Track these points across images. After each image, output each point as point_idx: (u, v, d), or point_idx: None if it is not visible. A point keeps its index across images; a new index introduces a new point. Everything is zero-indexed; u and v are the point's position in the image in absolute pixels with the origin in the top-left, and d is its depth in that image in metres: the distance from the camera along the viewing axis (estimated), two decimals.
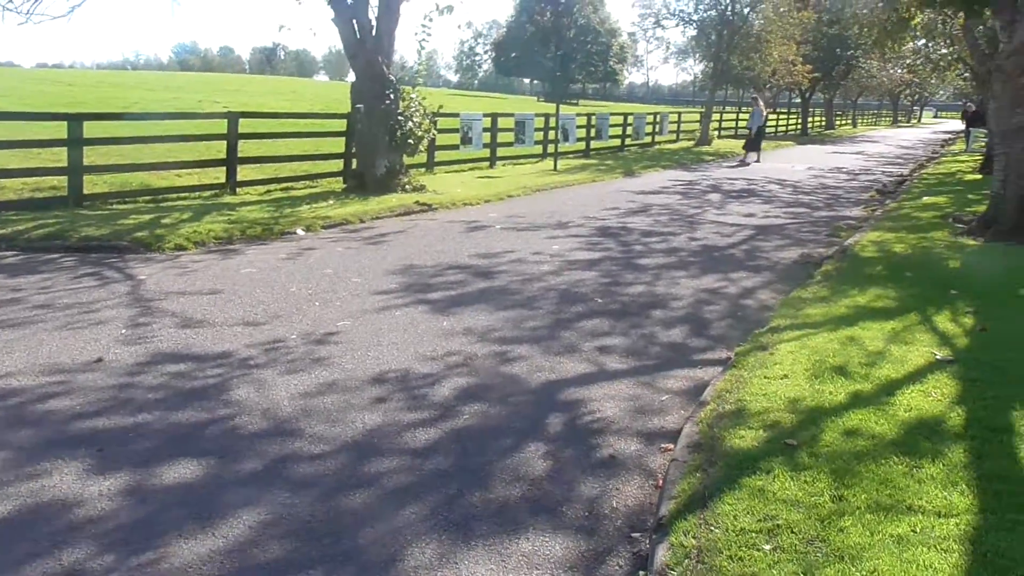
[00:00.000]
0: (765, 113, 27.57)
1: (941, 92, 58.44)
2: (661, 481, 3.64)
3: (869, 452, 3.68)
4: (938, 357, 5.04)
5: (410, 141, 14.09)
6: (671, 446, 4.02)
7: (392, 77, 13.88)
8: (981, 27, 12.57)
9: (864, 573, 2.73)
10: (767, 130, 31.06)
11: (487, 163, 19.83)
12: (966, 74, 27.02)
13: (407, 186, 13.96)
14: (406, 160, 14.61)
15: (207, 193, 12.34)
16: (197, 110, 19.03)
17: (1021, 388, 4.51)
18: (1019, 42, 9.40)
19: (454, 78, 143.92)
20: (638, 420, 4.43)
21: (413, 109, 14.16)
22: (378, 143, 13.69)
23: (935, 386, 4.53)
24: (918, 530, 2.99)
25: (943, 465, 3.53)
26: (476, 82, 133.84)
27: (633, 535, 3.25)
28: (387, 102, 13.59)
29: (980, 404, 4.25)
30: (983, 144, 22.63)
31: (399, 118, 13.78)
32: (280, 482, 3.56)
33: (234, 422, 4.18)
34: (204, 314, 6.15)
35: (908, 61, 28.37)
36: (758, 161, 24.89)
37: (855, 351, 5.22)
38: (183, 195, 11.98)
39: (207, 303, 6.48)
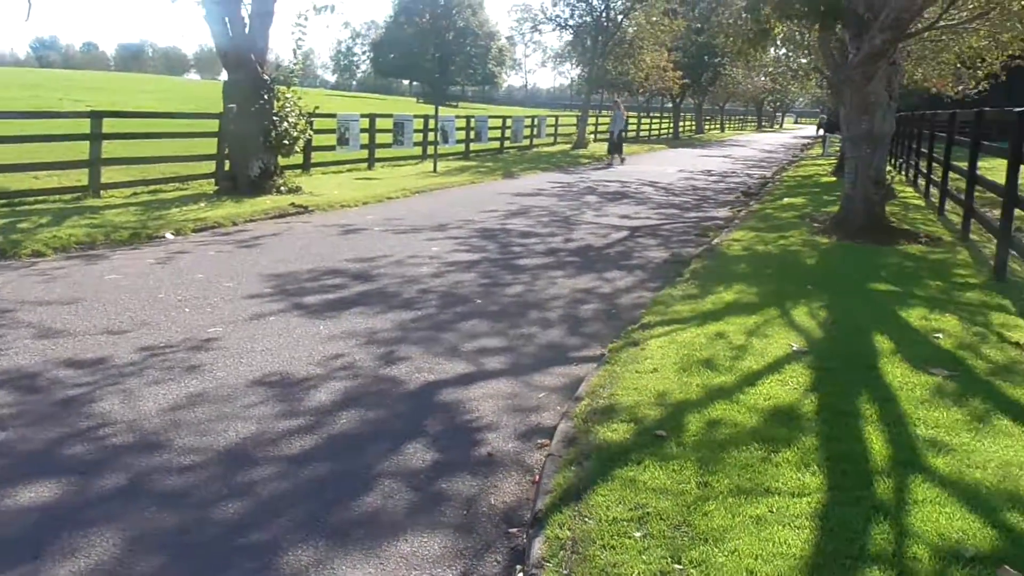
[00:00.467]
0: (626, 117, 28.51)
1: (801, 99, 61.86)
2: (538, 477, 3.73)
3: (732, 439, 3.88)
4: (794, 348, 5.36)
5: (285, 142, 13.81)
6: (547, 442, 4.12)
7: (266, 76, 13.57)
8: (834, 39, 13.38)
9: (726, 553, 2.89)
10: (627, 133, 32.04)
11: (365, 164, 19.64)
12: (822, 83, 28.64)
13: (282, 188, 13.67)
14: (281, 161, 14.31)
15: (68, 196, 11.71)
16: (58, 109, 18.03)
17: (866, 374, 4.86)
18: (865, 54, 10.07)
19: (332, 78, 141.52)
20: (516, 418, 4.51)
21: (288, 109, 13.89)
22: (252, 144, 13.35)
23: (791, 376, 4.81)
24: (775, 510, 3.18)
25: (797, 449, 3.76)
26: (354, 83, 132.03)
27: (511, 531, 3.32)
28: (261, 102, 13.27)
29: (830, 390, 4.55)
30: (837, 149, 24.08)
31: (274, 118, 13.49)
32: (147, 497, 3.43)
33: (98, 436, 4.00)
34: (64, 324, 5.85)
35: (770, 70, 29.80)
36: (622, 163, 25.60)
37: (721, 345, 5.48)
38: (42, 199, 11.32)
39: (68, 312, 6.16)
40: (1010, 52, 14.76)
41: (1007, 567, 2.76)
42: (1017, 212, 7.94)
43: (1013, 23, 13.33)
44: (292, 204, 12.33)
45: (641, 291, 7.78)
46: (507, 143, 28.72)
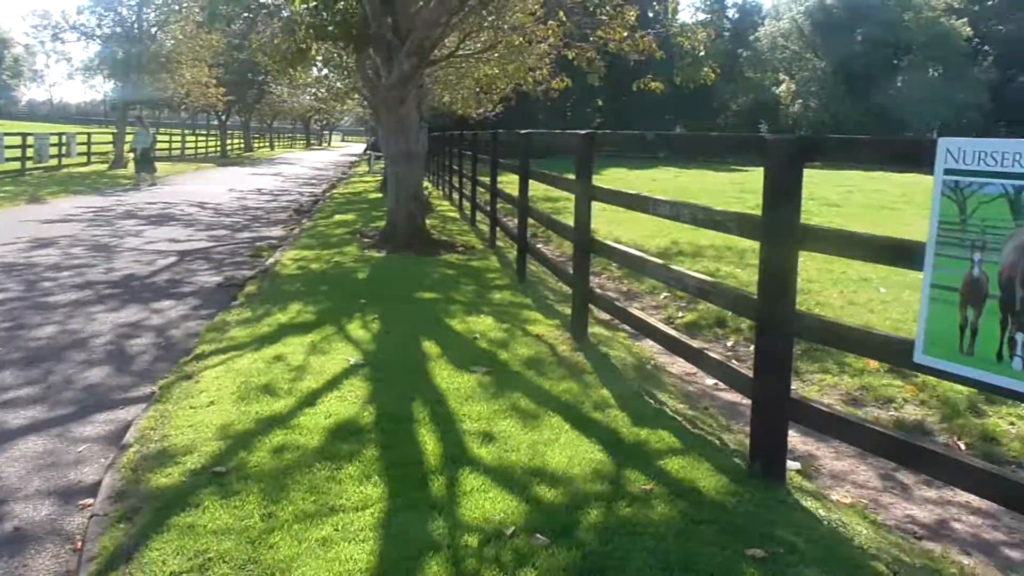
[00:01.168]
0: (153, 133, 27.18)
1: (346, 119, 64.07)
2: (80, 543, 3.32)
3: (296, 464, 3.85)
4: (352, 362, 5.52)
5: None
6: (90, 501, 3.69)
7: None
8: (370, 62, 14.09)
9: None
10: (173, 151, 30.57)
11: None
12: (364, 103, 30.01)
13: None
14: None
15: None
16: None
17: (417, 379, 5.18)
18: (396, 77, 10.78)
19: None
20: (50, 480, 3.97)
21: None
22: None
23: (350, 390, 4.95)
24: (340, 528, 3.24)
25: (359, 462, 3.87)
26: None
27: None
28: None
29: (386, 399, 4.77)
30: (382, 166, 25.42)
31: None
32: None
33: None
34: None
35: (313, 90, 30.34)
36: (153, 184, 24.17)
37: (280, 368, 5.43)
38: None
39: None
40: (516, 80, 16.95)
41: (538, 535, 3.16)
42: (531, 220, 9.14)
43: (516, 56, 15.34)
44: None
45: (194, 319, 7.38)
46: (30, 163, 25.27)
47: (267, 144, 69.89)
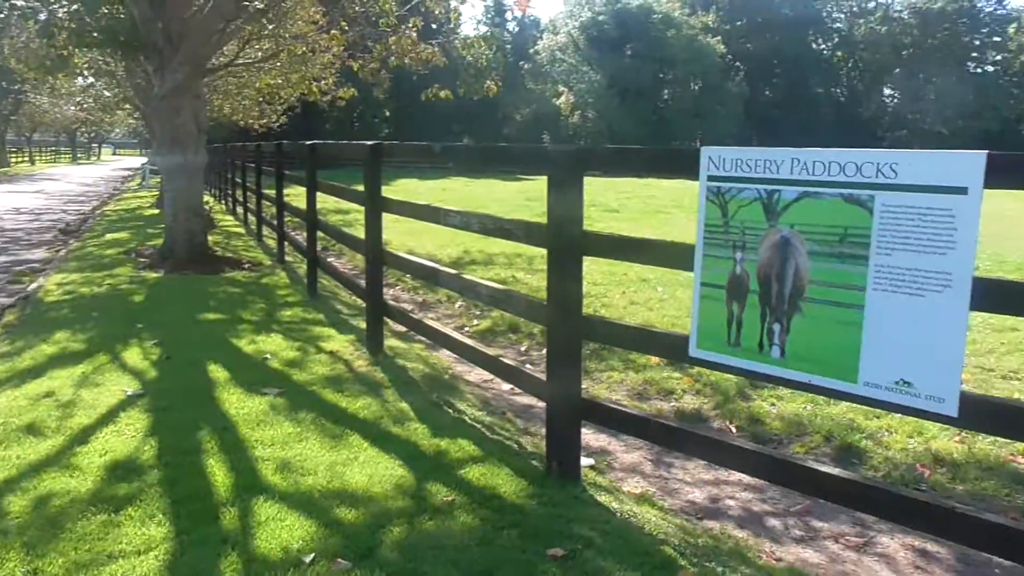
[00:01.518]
0: None
1: (117, 130, 59.59)
2: None
3: (67, 511, 3.51)
4: (129, 393, 5.11)
5: None
6: None
7: None
8: (142, 71, 13.18)
9: None
10: None
11: None
12: (136, 114, 28.03)
13: None
14: None
15: None
16: None
17: (203, 407, 4.89)
18: (169, 87, 10.15)
19: None
20: None
21: None
22: None
23: (128, 423, 4.58)
24: None
25: (140, 502, 3.58)
26: None
27: None
28: None
29: (170, 431, 4.46)
30: (159, 180, 23.87)
31: None
32: None
33: None
34: None
35: (79, 99, 27.91)
36: None
37: (46, 405, 4.93)
38: None
39: None
40: (300, 90, 16.52)
41: (339, 560, 3.07)
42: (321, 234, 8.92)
43: (299, 66, 14.96)
44: None
45: None
46: None
47: (27, 159, 63.71)
